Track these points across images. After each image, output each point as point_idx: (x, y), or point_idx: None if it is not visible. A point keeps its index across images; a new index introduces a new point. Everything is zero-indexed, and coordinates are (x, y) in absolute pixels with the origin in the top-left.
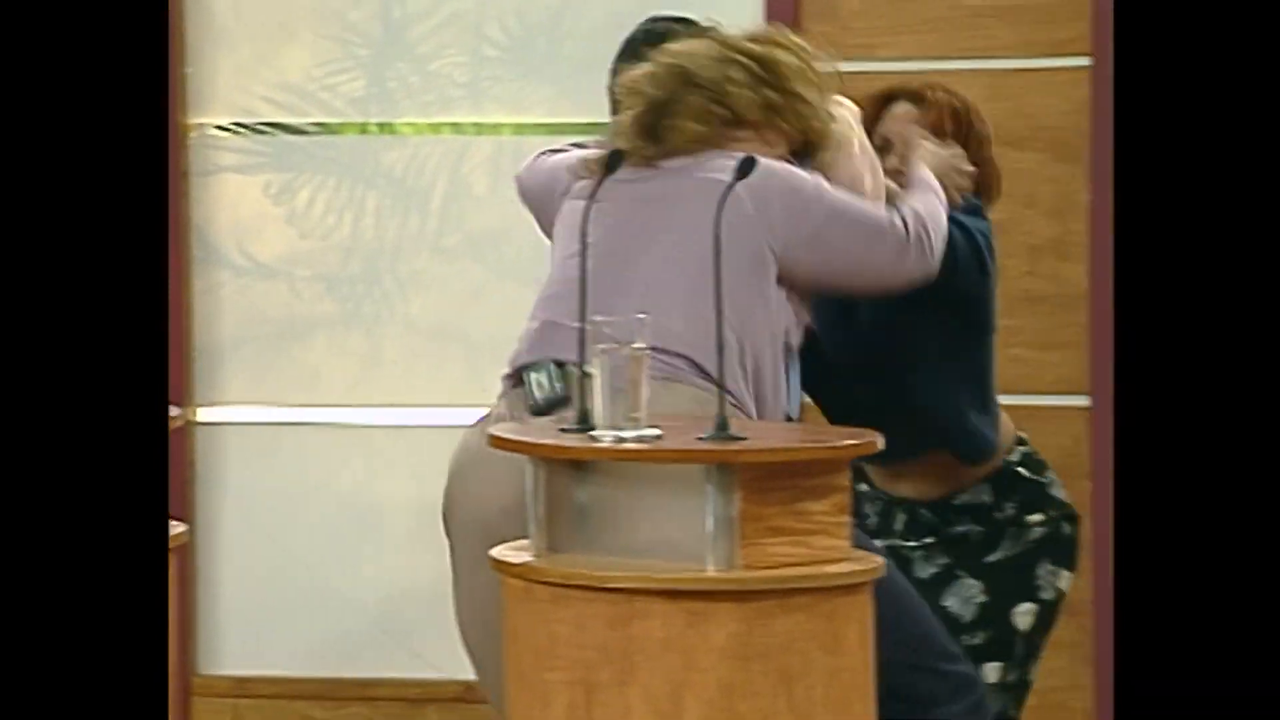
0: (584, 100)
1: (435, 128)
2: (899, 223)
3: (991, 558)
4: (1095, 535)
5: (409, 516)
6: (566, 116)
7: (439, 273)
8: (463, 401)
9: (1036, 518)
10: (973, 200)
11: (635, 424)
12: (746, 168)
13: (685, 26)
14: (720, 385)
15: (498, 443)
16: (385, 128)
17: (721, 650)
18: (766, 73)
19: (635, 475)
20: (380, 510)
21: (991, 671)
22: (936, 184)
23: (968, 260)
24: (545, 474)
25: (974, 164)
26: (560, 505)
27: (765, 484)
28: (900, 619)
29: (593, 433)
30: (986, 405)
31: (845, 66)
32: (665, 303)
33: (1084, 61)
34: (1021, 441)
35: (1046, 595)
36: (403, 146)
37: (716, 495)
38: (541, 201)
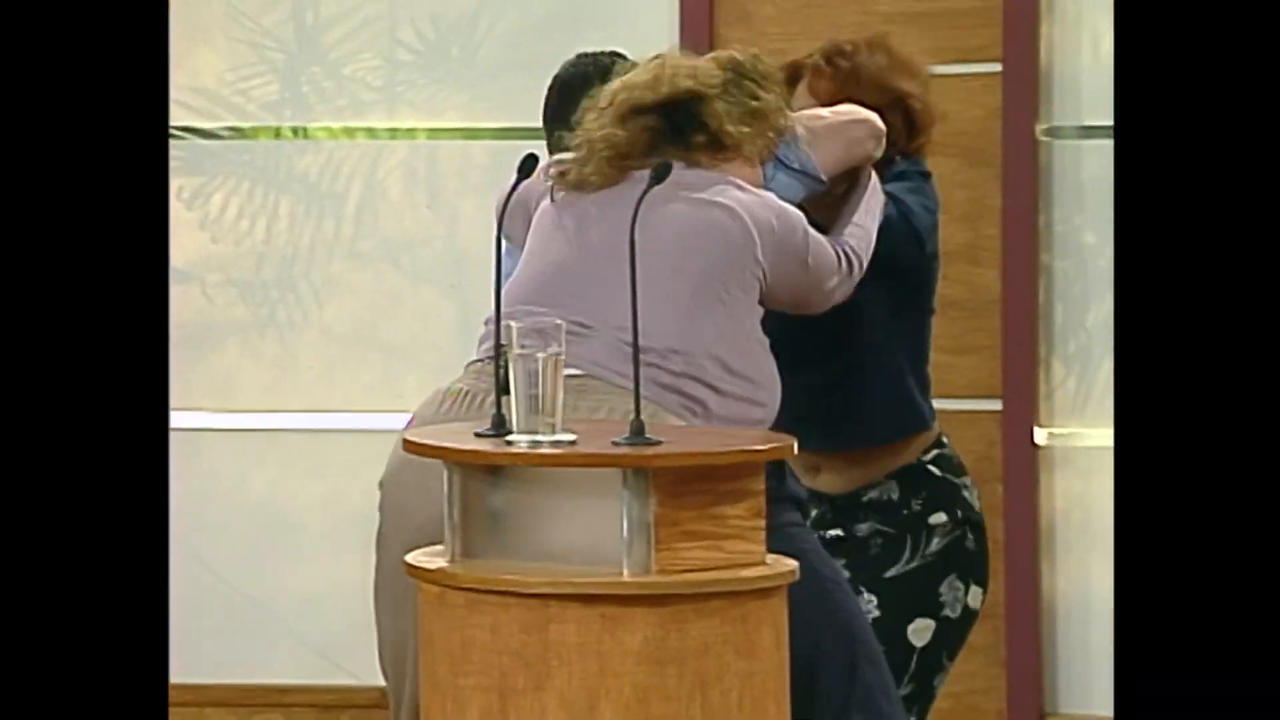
0: (499, 105)
1: (350, 132)
2: (843, 255)
3: (891, 572)
4: (1007, 539)
5: (324, 522)
6: (481, 121)
7: (354, 278)
8: (379, 407)
9: (941, 518)
10: (914, 169)
11: (551, 429)
12: (663, 173)
13: (620, 60)
14: (636, 388)
15: (412, 448)
16: (299, 132)
17: (637, 654)
18: (753, 82)
19: (551, 480)
20: (295, 516)
21: None
22: (878, 189)
23: (906, 241)
24: (460, 479)
25: (898, 114)
26: (475, 510)
27: (681, 488)
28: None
29: (508, 438)
30: (923, 383)
31: None
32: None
33: (995, 68)
34: (939, 444)
35: (950, 612)
36: (317, 151)
37: (632, 500)
38: (520, 205)
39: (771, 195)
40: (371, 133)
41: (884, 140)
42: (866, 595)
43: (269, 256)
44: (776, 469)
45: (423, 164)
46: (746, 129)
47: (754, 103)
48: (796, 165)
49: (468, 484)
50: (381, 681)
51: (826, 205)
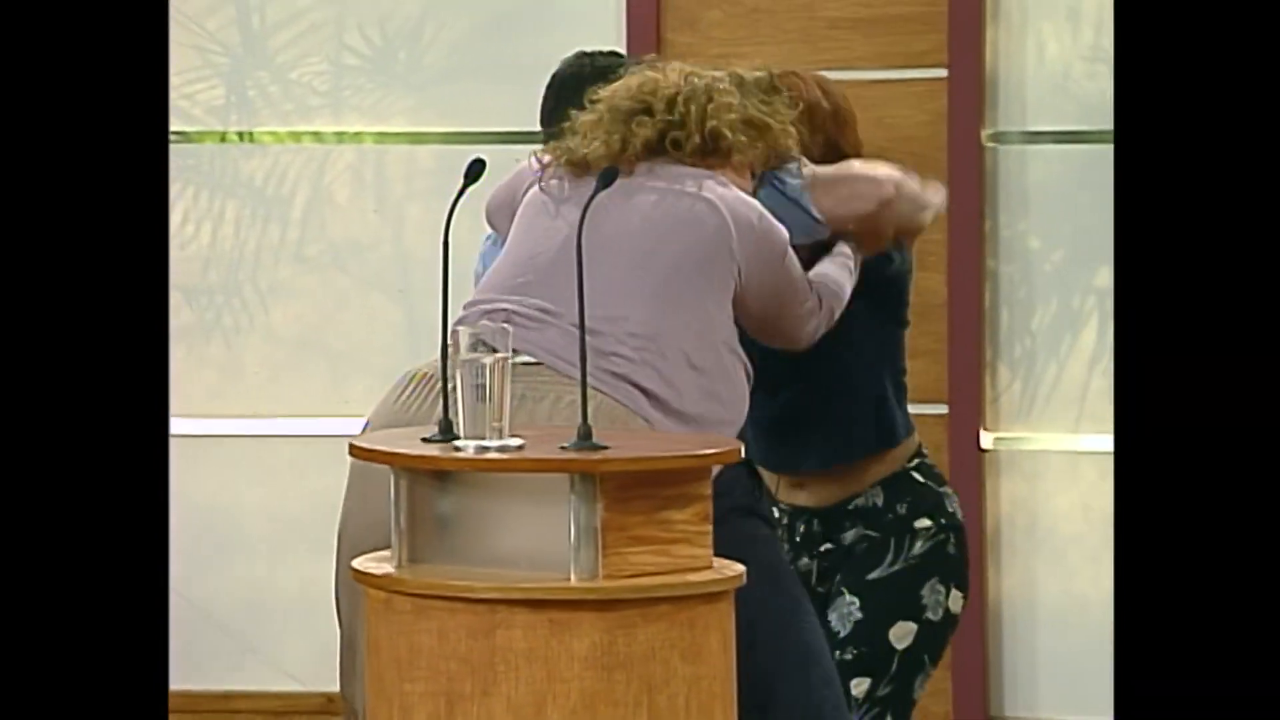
0: (446, 109)
1: (296, 136)
2: (815, 292)
3: (874, 574)
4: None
5: (268, 527)
6: (428, 126)
7: (300, 282)
8: (324, 412)
9: (925, 523)
10: None
11: (498, 433)
12: (610, 177)
13: (619, 59)
14: (583, 392)
15: (358, 453)
16: (245, 136)
17: (584, 660)
18: (754, 90)
19: (498, 485)
20: (239, 521)
21: (858, 685)
22: (856, 257)
23: (876, 258)
24: (407, 484)
25: (841, 152)
26: (422, 515)
27: (628, 493)
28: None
29: (455, 443)
30: (901, 394)
31: None
32: (628, 307)
33: (941, 73)
34: (920, 453)
35: (932, 615)
36: (263, 155)
37: (579, 505)
38: (508, 196)
39: (756, 201)
40: (318, 137)
41: (892, 206)
42: (849, 597)
43: (215, 261)
44: (749, 485)
45: (369, 168)
46: (742, 137)
47: (753, 113)
48: (791, 195)
49: (414, 489)
50: (326, 687)
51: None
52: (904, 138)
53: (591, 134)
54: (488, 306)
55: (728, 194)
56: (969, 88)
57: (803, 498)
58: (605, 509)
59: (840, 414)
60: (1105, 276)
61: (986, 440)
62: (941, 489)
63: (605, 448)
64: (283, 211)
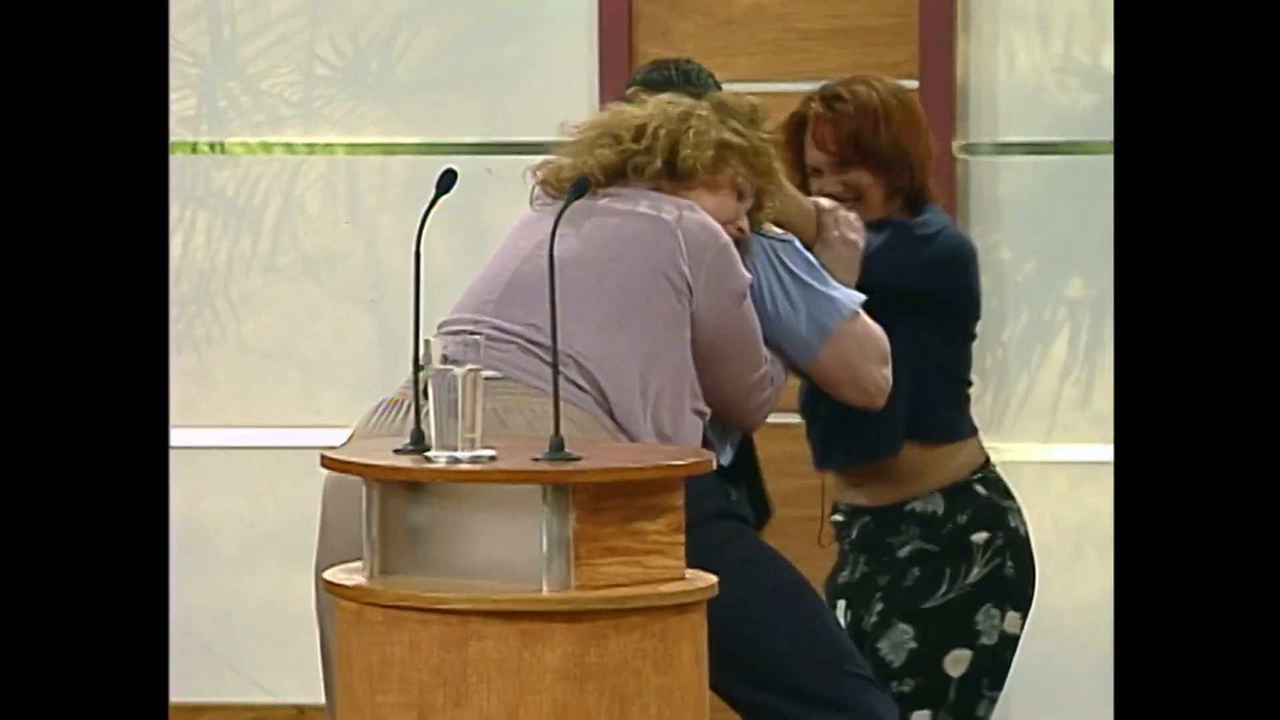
0: (418, 120)
1: (267, 147)
2: (769, 372)
3: (928, 604)
4: None
5: (240, 538)
6: (400, 137)
7: (272, 293)
8: (296, 423)
9: (981, 536)
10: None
11: (470, 444)
12: (582, 187)
13: (696, 70)
14: (556, 405)
15: (330, 464)
16: (216, 147)
17: (556, 671)
18: (730, 115)
19: (470, 496)
20: (211, 532)
21: (920, 719)
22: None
23: (886, 273)
24: (379, 495)
25: (893, 168)
26: (394, 527)
27: (600, 504)
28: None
29: (427, 453)
30: (954, 397)
31: None
32: (577, 327)
33: (912, 84)
34: (986, 466)
35: (987, 640)
36: (234, 166)
37: (551, 516)
38: None
39: (718, 228)
40: (289, 148)
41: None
42: (903, 626)
43: (186, 271)
44: (721, 489)
45: (341, 179)
46: (709, 153)
47: (727, 135)
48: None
49: (387, 500)
50: (298, 698)
51: None
52: None
53: (562, 161)
54: (454, 327)
55: (690, 216)
56: (940, 99)
57: (860, 497)
58: (578, 520)
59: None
60: (1077, 287)
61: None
62: (1006, 502)
63: (578, 459)
64: (254, 222)
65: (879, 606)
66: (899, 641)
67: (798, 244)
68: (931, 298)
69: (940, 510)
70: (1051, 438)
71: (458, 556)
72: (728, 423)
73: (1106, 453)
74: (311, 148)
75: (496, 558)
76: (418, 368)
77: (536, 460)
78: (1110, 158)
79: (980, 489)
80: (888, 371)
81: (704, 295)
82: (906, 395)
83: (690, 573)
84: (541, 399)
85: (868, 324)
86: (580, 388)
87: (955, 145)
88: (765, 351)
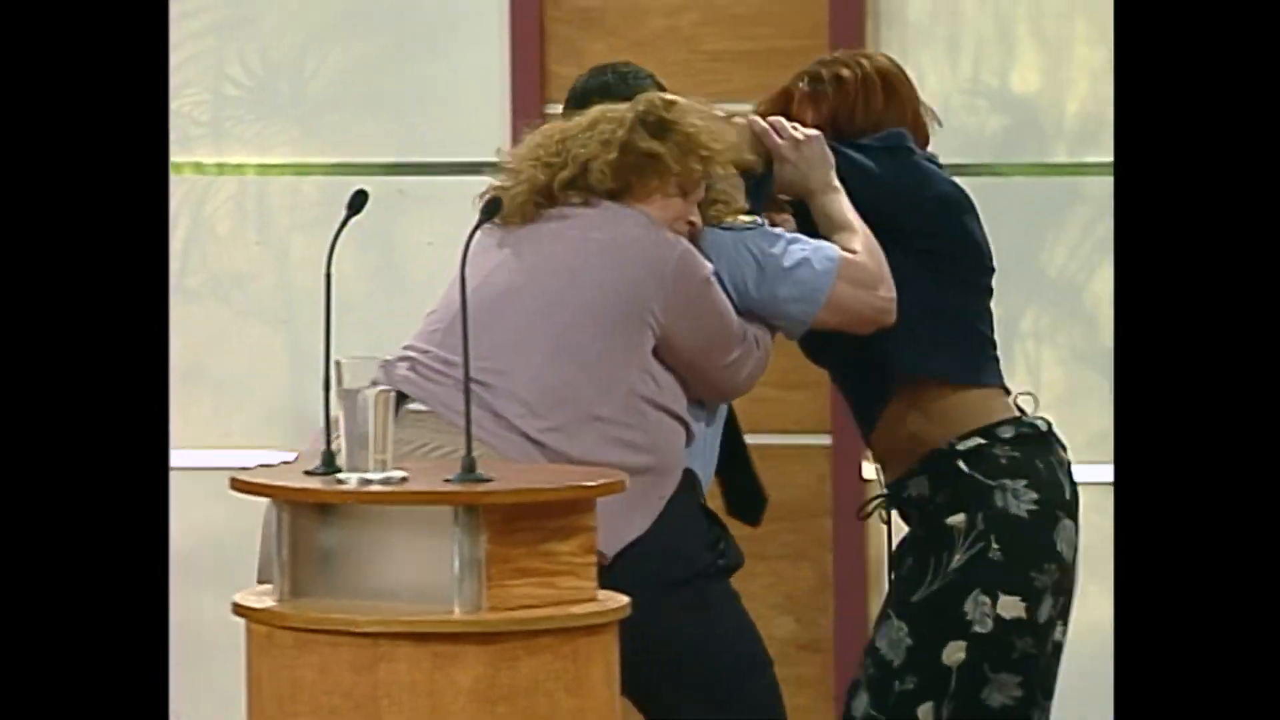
0: (328, 140)
1: (177, 167)
2: (748, 344)
3: (916, 595)
4: (837, 573)
5: None
6: (311, 157)
7: (182, 314)
8: (208, 444)
9: (958, 519)
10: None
11: (381, 465)
12: (492, 209)
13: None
14: (468, 425)
15: (240, 486)
16: None
17: (468, 693)
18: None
19: (381, 518)
20: None
21: (925, 713)
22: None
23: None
24: (290, 517)
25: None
26: (305, 549)
27: (512, 525)
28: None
29: (338, 475)
30: (941, 339)
31: None
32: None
33: None
34: (986, 436)
35: (980, 628)
36: None
37: (463, 537)
38: None
39: (672, 235)
40: (199, 168)
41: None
42: (897, 621)
43: None
44: (708, 538)
45: (251, 199)
46: (625, 164)
47: (640, 144)
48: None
49: (297, 522)
50: None
51: None
52: None
53: (501, 184)
54: (401, 354)
55: (639, 232)
56: None
57: (885, 475)
58: (489, 541)
59: (866, 362)
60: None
61: (869, 470)
62: (995, 481)
63: (489, 480)
64: None
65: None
66: (896, 639)
67: (766, 226)
68: (909, 228)
69: (926, 491)
70: None
71: (369, 579)
72: (709, 397)
73: None
74: (221, 168)
75: (408, 580)
76: (329, 389)
77: (448, 481)
78: (1018, 179)
79: (963, 465)
80: (884, 291)
81: (671, 309)
82: (895, 336)
83: (603, 593)
84: (457, 435)
85: (850, 261)
86: (510, 427)
87: None
88: (739, 325)
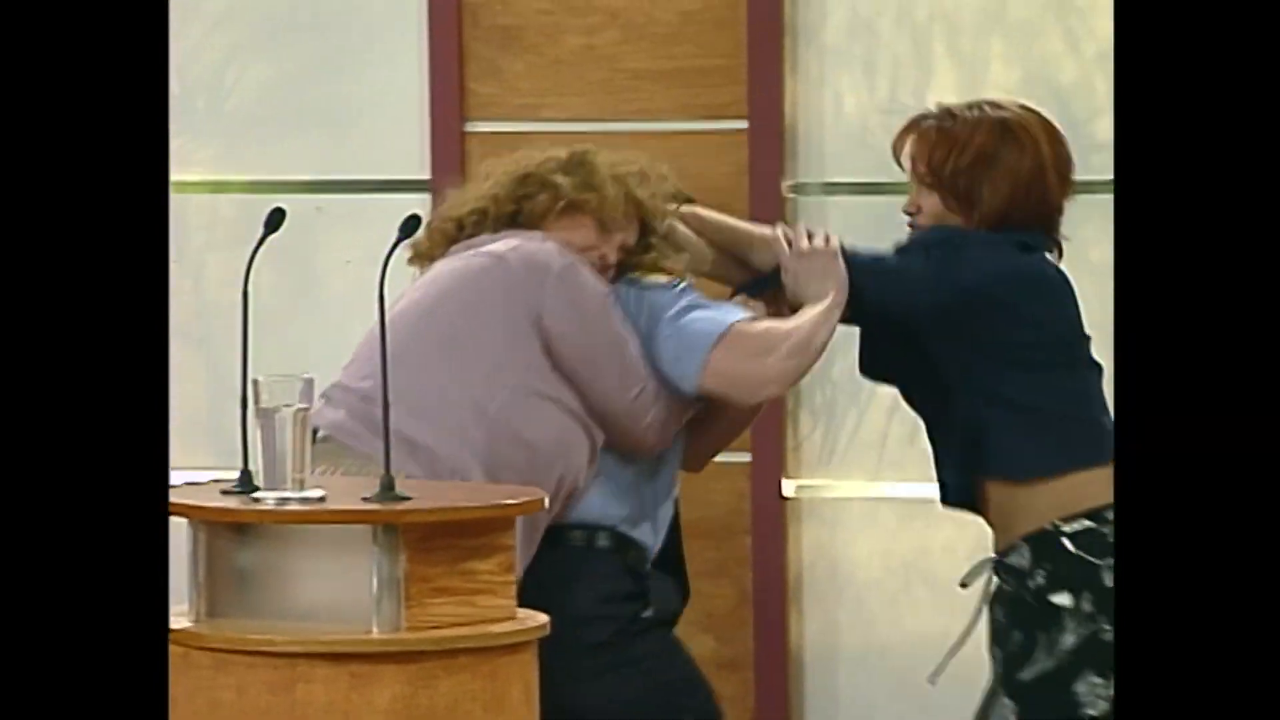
0: (247, 158)
1: None
2: (651, 393)
3: (1025, 674)
4: (756, 590)
5: None
6: (230, 174)
7: None
8: None
9: (1063, 599)
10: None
11: (299, 485)
12: (410, 228)
13: None
14: (386, 444)
15: None
16: None
17: (386, 712)
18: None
19: (299, 537)
20: None
21: None
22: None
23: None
24: (205, 537)
25: (961, 199)
26: (221, 569)
27: (430, 544)
28: None
29: (255, 494)
30: (1032, 428)
31: (509, 127)
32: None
33: (741, 125)
34: (1092, 517)
35: (1091, 710)
36: None
37: (381, 556)
38: None
39: (569, 251)
40: None
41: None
42: (1005, 699)
43: None
44: (638, 591)
45: (171, 218)
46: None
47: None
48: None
49: (213, 542)
50: None
51: None
52: (707, 188)
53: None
54: (333, 382)
55: (527, 245)
56: (769, 139)
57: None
58: (408, 560)
59: (943, 439)
60: None
61: (789, 488)
62: (1104, 560)
63: (408, 498)
64: None
65: (990, 676)
66: (1005, 717)
67: (679, 286)
68: (962, 315)
69: (1027, 564)
70: (880, 474)
71: (286, 598)
72: (621, 447)
73: (933, 490)
74: None
75: (326, 599)
76: (245, 408)
77: (366, 500)
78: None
79: (1069, 545)
80: (781, 362)
81: (554, 312)
82: (961, 429)
83: (522, 612)
84: (351, 458)
85: (742, 329)
86: (400, 437)
87: (784, 185)
88: (640, 363)
